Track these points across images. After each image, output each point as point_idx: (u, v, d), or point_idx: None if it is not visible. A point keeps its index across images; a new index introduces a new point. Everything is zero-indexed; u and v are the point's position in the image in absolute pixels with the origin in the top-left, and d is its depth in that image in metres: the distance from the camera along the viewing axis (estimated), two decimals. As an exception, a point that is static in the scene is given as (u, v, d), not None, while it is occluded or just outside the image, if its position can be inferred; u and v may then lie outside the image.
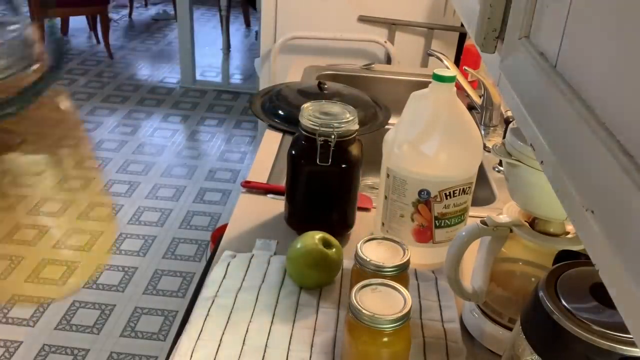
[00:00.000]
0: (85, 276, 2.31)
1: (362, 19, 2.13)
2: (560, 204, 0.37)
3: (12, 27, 0.56)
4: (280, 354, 0.80)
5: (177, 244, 2.53)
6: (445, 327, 0.85)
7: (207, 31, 5.40)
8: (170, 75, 4.36)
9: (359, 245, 0.85)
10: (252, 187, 1.18)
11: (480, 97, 1.49)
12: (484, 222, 0.78)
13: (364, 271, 0.82)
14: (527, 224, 0.79)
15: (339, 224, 1.05)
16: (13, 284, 2.24)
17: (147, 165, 3.12)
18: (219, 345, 0.80)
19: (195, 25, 4.79)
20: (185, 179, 3.03)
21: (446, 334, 0.84)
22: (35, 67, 0.55)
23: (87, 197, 2.80)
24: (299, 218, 1.05)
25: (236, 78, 4.50)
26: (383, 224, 1.01)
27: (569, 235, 0.78)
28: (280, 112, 1.47)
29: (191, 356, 0.78)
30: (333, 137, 0.95)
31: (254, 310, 0.87)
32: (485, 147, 1.27)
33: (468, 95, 1.50)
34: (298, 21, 2.12)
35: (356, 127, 1.00)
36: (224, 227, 1.10)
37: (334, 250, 0.92)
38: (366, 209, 1.13)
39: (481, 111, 1.48)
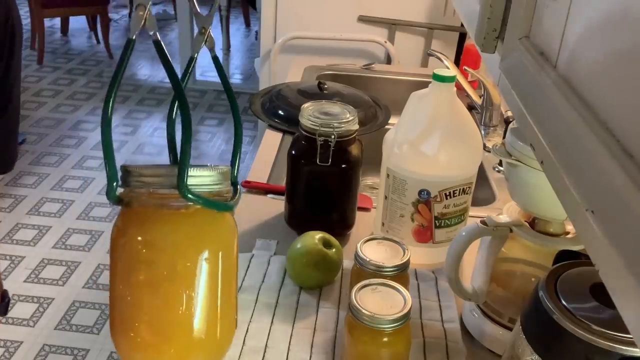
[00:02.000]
0: (85, 276, 2.31)
1: (362, 19, 2.13)
2: (560, 204, 0.37)
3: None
4: (280, 354, 0.80)
5: (177, 244, 2.53)
6: (445, 327, 0.85)
7: (207, 31, 5.39)
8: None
9: (359, 245, 0.85)
10: (252, 187, 1.18)
11: (480, 97, 1.49)
12: (484, 222, 0.78)
13: (364, 271, 0.82)
14: (527, 224, 0.79)
15: (339, 224, 1.05)
16: (13, 284, 2.24)
17: (147, 165, 3.13)
18: (219, 345, 0.80)
19: (195, 25, 4.79)
20: (185, 179, 3.03)
21: (446, 334, 0.84)
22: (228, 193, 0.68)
23: (87, 197, 2.80)
24: (299, 218, 1.05)
25: (236, 78, 4.50)
26: (383, 224, 1.01)
27: (569, 235, 0.78)
28: (280, 112, 1.47)
29: (191, 356, 0.78)
30: (333, 137, 0.95)
31: (254, 310, 0.87)
32: (485, 147, 1.27)
33: (468, 95, 1.50)
34: (298, 21, 2.12)
35: (356, 127, 1.00)
36: (224, 227, 1.10)
37: (334, 250, 0.92)
38: (366, 209, 1.13)
39: (481, 111, 1.48)
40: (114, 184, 0.54)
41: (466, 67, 1.53)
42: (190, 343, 0.54)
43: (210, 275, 0.54)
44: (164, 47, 0.55)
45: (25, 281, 2.26)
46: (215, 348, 0.57)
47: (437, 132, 0.93)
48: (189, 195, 0.52)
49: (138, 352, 0.56)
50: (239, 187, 0.61)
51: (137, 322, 0.54)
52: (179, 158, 0.53)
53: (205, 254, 0.54)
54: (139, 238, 0.53)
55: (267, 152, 1.33)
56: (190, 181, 0.52)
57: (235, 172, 0.62)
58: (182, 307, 0.53)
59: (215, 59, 0.64)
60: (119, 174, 0.56)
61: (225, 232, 0.58)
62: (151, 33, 0.56)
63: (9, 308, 2.06)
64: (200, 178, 0.54)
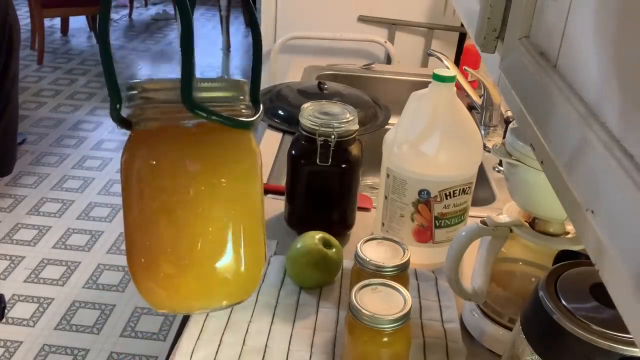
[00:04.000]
0: (85, 276, 2.31)
1: (362, 19, 2.13)
2: (560, 204, 0.37)
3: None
4: (280, 354, 0.80)
5: (177, 244, 2.53)
6: (445, 327, 0.85)
7: (207, 31, 5.40)
8: (170, 75, 4.36)
9: (359, 245, 0.85)
10: (252, 187, 1.18)
11: (480, 97, 1.49)
12: (484, 222, 0.78)
13: (364, 271, 0.82)
14: (527, 224, 0.79)
15: (339, 224, 1.05)
16: (13, 284, 2.24)
17: (147, 165, 3.12)
18: (219, 345, 0.80)
19: (195, 25, 4.78)
20: (185, 179, 3.02)
21: (446, 334, 0.84)
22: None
23: (87, 197, 2.80)
24: (299, 218, 1.05)
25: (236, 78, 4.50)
26: (383, 224, 1.01)
27: (569, 235, 0.78)
28: (280, 112, 1.47)
29: (191, 356, 0.78)
30: (333, 137, 0.95)
31: (254, 310, 0.87)
32: (485, 147, 1.27)
33: (468, 95, 1.50)
34: (298, 21, 2.12)
35: (356, 127, 1.00)
36: (224, 227, 1.10)
37: (334, 250, 0.92)
38: (366, 209, 1.13)
39: (481, 111, 1.48)
40: (117, 104, 0.48)
41: (466, 67, 1.53)
42: (210, 275, 0.48)
43: (228, 201, 0.47)
44: None
45: (25, 281, 2.26)
46: (240, 282, 0.50)
47: (437, 132, 0.93)
48: (196, 110, 0.44)
49: (158, 287, 0.48)
50: (260, 105, 0.52)
51: (153, 253, 0.47)
52: (181, 64, 0.44)
53: (221, 177, 0.47)
54: (148, 162, 0.46)
55: (267, 152, 1.33)
56: (200, 94, 0.45)
57: (257, 87, 0.53)
58: (200, 237, 0.46)
59: None
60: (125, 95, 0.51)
61: (243, 153, 0.49)
62: None
63: (7, 310, 2.06)
64: (211, 92, 0.47)
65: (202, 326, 0.83)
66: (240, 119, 0.48)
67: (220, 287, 0.49)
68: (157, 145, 0.46)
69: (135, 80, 0.49)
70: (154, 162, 0.46)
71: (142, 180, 0.46)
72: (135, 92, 0.48)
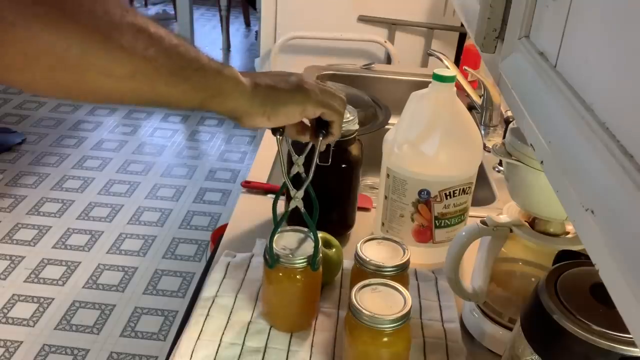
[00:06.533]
0: (85, 276, 2.31)
1: (362, 19, 2.13)
2: (560, 204, 0.37)
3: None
4: (280, 354, 0.80)
5: (177, 244, 2.53)
6: (445, 327, 0.85)
7: (207, 31, 5.39)
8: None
9: (359, 245, 0.85)
10: (252, 187, 1.18)
11: (480, 97, 1.49)
12: (484, 222, 0.78)
13: (364, 271, 0.82)
14: (527, 224, 0.79)
15: (339, 224, 1.05)
16: (13, 284, 2.24)
17: (147, 165, 3.12)
18: (219, 346, 0.80)
19: (195, 25, 4.79)
20: (185, 179, 3.03)
21: (446, 334, 0.84)
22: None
23: (87, 197, 2.80)
24: (299, 218, 1.05)
25: (236, 78, 4.49)
26: (383, 224, 1.01)
27: (569, 235, 0.78)
28: (280, 112, 1.47)
29: (191, 356, 0.78)
30: (333, 137, 0.95)
31: (254, 310, 0.87)
32: (485, 147, 1.27)
33: (468, 95, 1.50)
34: (298, 21, 2.12)
35: (356, 127, 1.00)
36: (224, 227, 1.10)
37: (334, 250, 0.92)
38: (366, 209, 1.13)
39: (481, 111, 1.48)
40: (274, 263, 0.81)
41: (466, 67, 1.54)
42: (297, 320, 0.86)
43: (310, 291, 0.85)
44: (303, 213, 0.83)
45: (25, 281, 2.26)
46: (307, 321, 0.87)
47: (437, 132, 0.93)
48: (315, 270, 0.82)
49: (275, 322, 0.86)
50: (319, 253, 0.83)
51: (275, 311, 0.86)
52: (312, 257, 0.81)
53: (312, 286, 0.85)
54: (282, 282, 0.82)
55: (267, 152, 1.33)
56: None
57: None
58: (297, 306, 0.84)
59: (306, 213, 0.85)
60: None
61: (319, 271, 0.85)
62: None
63: (7, 310, 2.06)
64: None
65: (202, 326, 0.83)
66: (320, 262, 0.83)
67: (298, 324, 0.86)
68: (289, 276, 0.82)
69: (277, 249, 0.81)
70: (282, 280, 0.82)
71: (273, 285, 0.84)
72: (280, 259, 0.81)
